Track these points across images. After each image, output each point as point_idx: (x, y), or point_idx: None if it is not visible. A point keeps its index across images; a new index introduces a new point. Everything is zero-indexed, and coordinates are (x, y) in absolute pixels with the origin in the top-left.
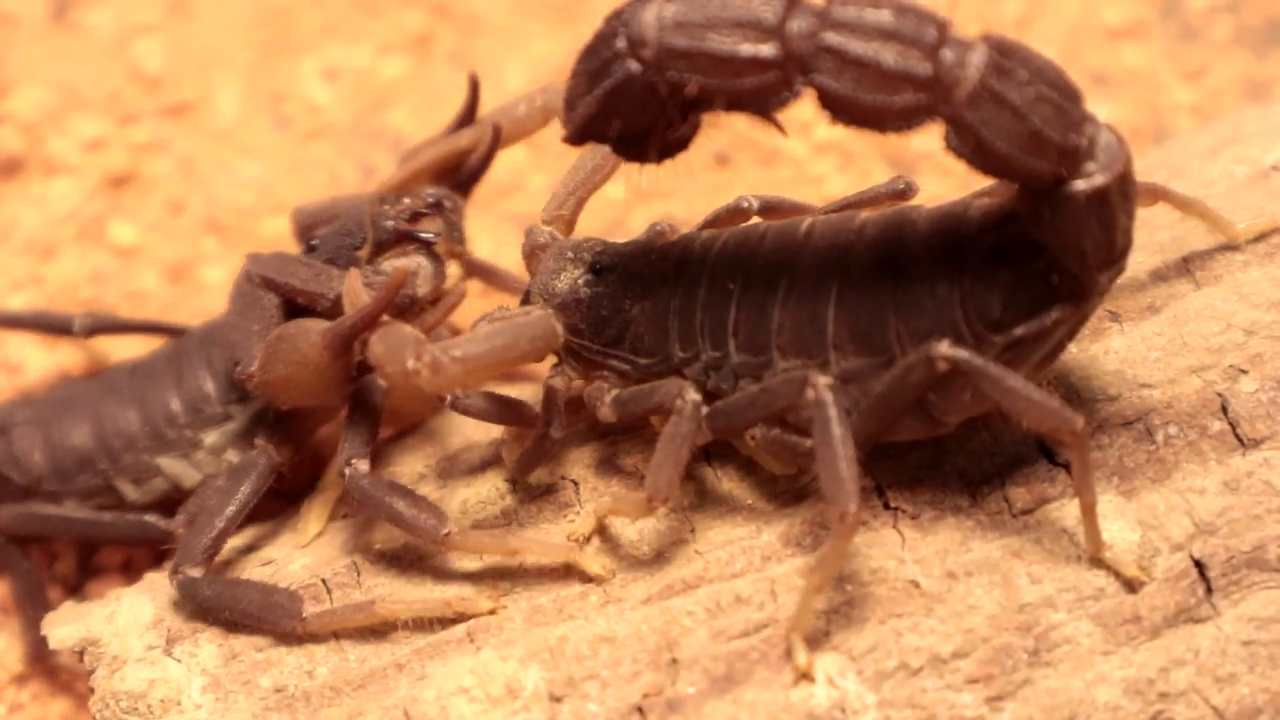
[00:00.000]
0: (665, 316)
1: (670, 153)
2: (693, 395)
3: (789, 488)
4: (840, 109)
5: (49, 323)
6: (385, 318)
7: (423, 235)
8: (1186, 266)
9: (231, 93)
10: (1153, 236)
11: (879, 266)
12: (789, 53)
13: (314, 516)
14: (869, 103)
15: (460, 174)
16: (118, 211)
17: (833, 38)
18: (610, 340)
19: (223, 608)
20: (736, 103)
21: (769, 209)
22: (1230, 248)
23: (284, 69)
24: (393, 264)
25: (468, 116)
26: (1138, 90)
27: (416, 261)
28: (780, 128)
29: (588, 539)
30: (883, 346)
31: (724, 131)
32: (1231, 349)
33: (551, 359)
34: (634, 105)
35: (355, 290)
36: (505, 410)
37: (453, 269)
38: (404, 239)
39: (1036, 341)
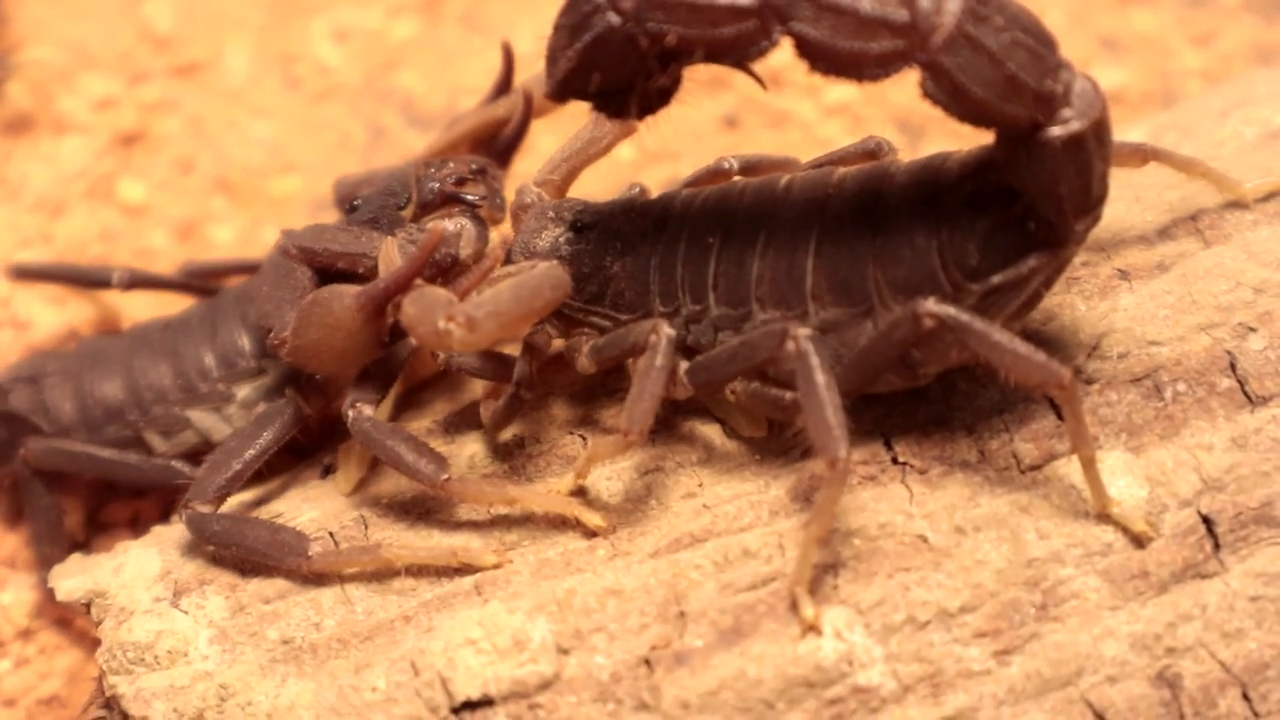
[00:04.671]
0: (646, 272)
1: (652, 107)
2: (666, 330)
3: (797, 444)
4: (818, 57)
5: (86, 276)
6: (419, 280)
7: (468, 197)
8: (1196, 225)
9: (242, 53)
10: (1162, 195)
11: (857, 218)
12: (767, 1)
13: (354, 465)
14: (846, 49)
15: (498, 143)
16: (127, 170)
17: None
18: (591, 297)
19: (230, 544)
20: (715, 53)
21: (749, 168)
22: (1239, 206)
23: (294, 29)
24: (437, 223)
25: (503, 86)
26: (1147, 55)
27: (460, 223)
28: (759, 79)
29: (571, 493)
30: (861, 296)
31: (733, 94)
32: (1240, 307)
33: None
34: (614, 58)
35: (390, 256)
36: (500, 368)
37: (494, 235)
38: (449, 201)
39: (1014, 290)
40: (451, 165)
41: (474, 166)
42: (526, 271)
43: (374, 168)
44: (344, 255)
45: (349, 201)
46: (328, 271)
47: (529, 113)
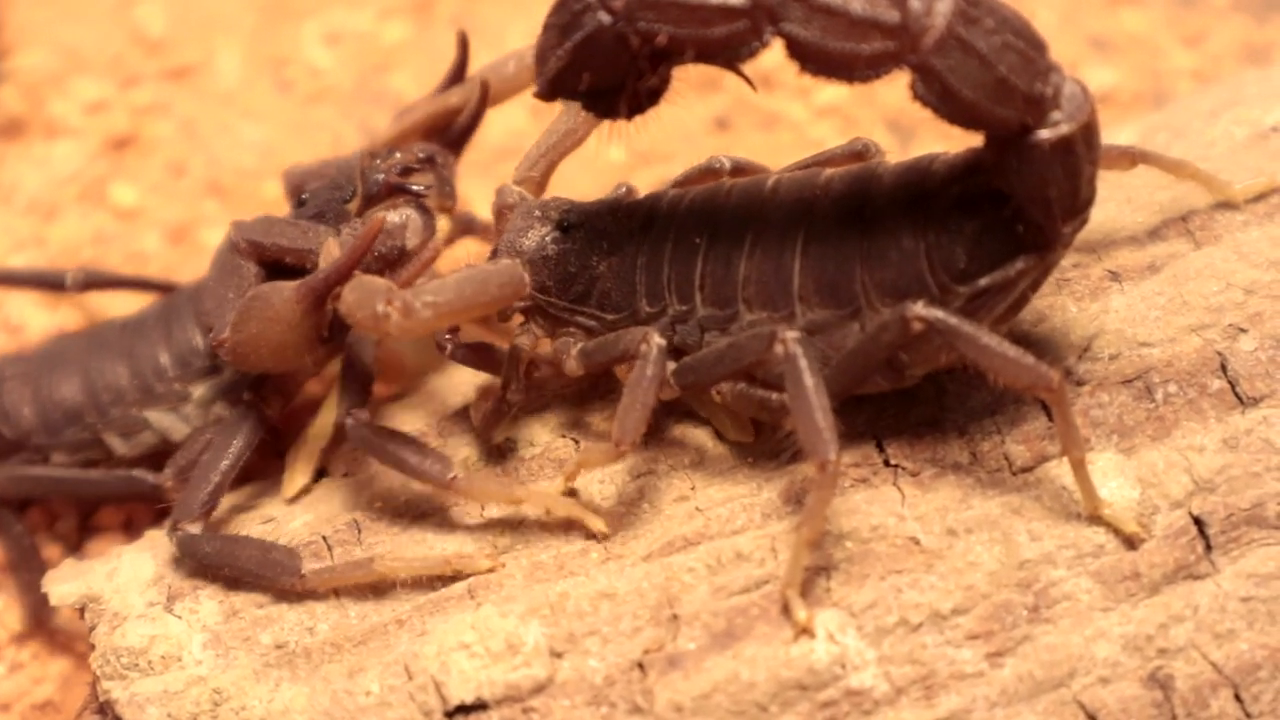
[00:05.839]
0: (632, 272)
1: (641, 107)
2: (657, 340)
3: (789, 446)
4: (809, 58)
5: (42, 279)
6: (358, 271)
7: (413, 188)
8: (1186, 226)
9: (233, 56)
10: (1152, 196)
11: (844, 219)
12: (758, 1)
13: (299, 469)
14: (837, 51)
15: (451, 132)
16: (119, 173)
17: None
18: (577, 297)
19: (222, 564)
20: (706, 53)
21: (740, 170)
22: (1230, 207)
23: (286, 32)
24: (376, 215)
25: (458, 75)
26: (1138, 55)
27: (406, 214)
28: (749, 80)
29: (560, 496)
30: (848, 298)
31: (724, 95)
32: (1231, 308)
33: (519, 319)
34: (604, 57)
35: (331, 253)
36: (493, 358)
37: (443, 224)
38: (394, 192)
39: (1001, 292)
40: (397, 155)
41: (421, 155)
42: (484, 266)
43: (326, 158)
44: (292, 250)
45: (298, 193)
46: (278, 266)
47: (484, 101)
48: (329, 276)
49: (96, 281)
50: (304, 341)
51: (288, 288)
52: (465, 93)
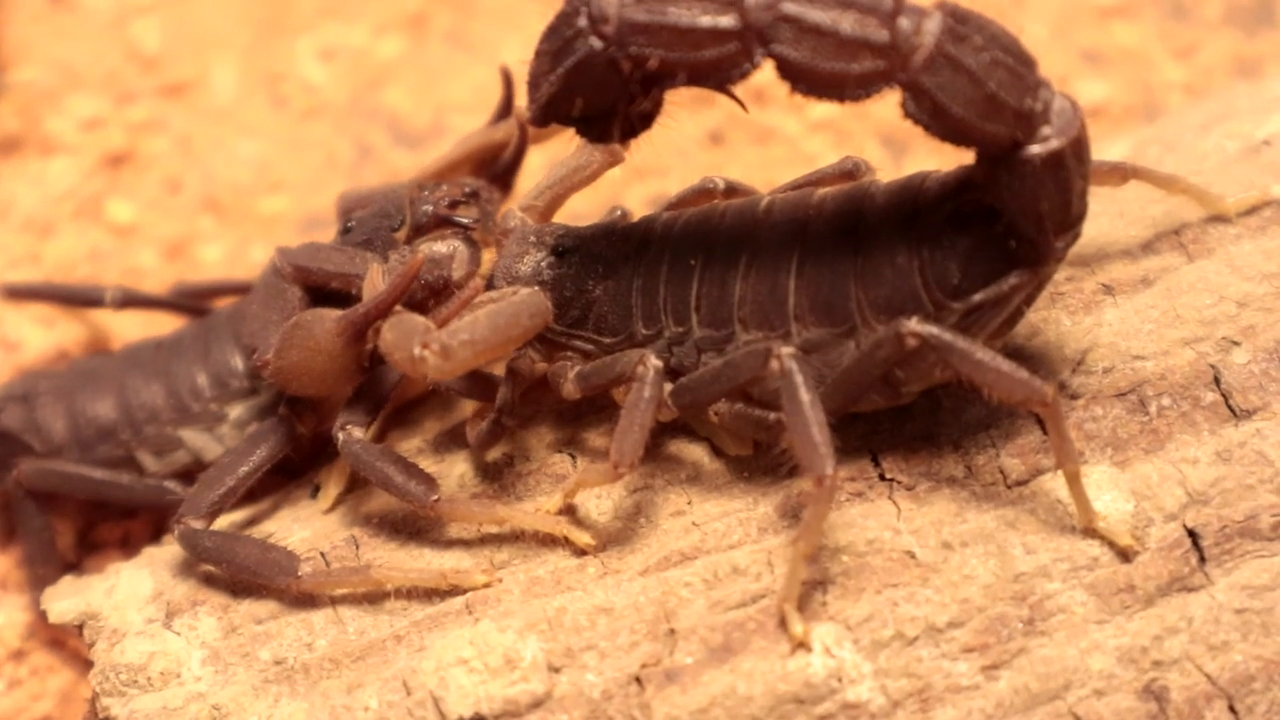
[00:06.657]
0: (628, 295)
1: (634, 131)
2: (653, 362)
3: (785, 461)
4: (800, 78)
5: (81, 295)
6: (399, 306)
7: (460, 220)
8: (1179, 239)
9: (228, 72)
10: (1145, 210)
11: (839, 238)
12: (748, 23)
13: (333, 482)
14: (827, 71)
15: (497, 167)
16: (115, 190)
17: (791, 7)
18: (574, 321)
19: (220, 560)
20: (697, 76)
21: (734, 191)
22: (1222, 221)
23: (281, 48)
24: (426, 247)
25: (504, 110)
26: (1129, 68)
27: (453, 245)
28: (740, 101)
29: (558, 514)
30: (844, 316)
31: (718, 110)
32: (1224, 321)
33: None
34: (596, 82)
35: (374, 282)
36: (486, 387)
37: (487, 257)
38: (442, 223)
39: (995, 307)
40: (445, 188)
41: (467, 189)
42: (506, 298)
43: (376, 183)
44: (338, 275)
45: (349, 218)
46: (322, 291)
47: (525, 139)
48: (369, 312)
49: (134, 300)
50: (345, 372)
51: (329, 319)
52: (510, 128)
